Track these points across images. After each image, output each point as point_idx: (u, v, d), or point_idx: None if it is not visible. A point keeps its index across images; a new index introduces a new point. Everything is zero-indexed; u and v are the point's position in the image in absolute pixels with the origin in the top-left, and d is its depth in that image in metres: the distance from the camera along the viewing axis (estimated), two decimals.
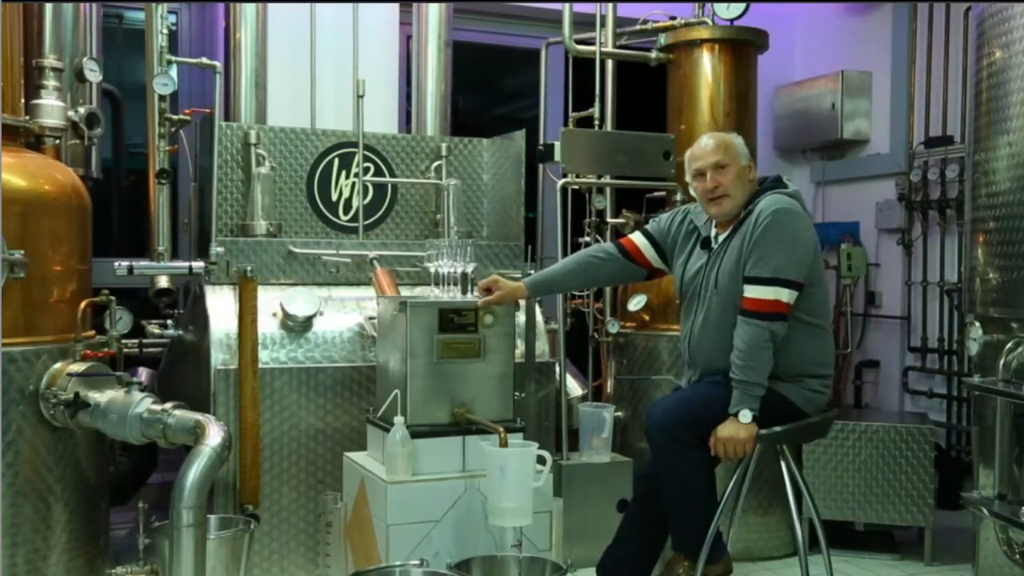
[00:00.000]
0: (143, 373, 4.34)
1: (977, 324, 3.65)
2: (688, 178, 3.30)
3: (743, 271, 3.09)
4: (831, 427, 3.42)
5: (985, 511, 3.52)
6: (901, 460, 4.39)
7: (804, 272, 3.07)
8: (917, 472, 4.37)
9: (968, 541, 3.95)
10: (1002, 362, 3.45)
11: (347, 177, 4.33)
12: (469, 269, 3.46)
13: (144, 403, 3.19)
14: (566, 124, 4.95)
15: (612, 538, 3.34)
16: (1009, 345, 3.45)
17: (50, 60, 3.76)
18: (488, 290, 3.36)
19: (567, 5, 4.67)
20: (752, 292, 3.04)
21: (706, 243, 3.28)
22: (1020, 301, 3.46)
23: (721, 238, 3.22)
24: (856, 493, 4.44)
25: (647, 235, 3.44)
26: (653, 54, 4.88)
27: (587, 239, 4.67)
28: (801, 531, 3.18)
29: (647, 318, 4.60)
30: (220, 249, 3.85)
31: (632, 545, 3.27)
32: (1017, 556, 3.47)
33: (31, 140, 3.59)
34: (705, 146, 3.24)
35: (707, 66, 4.73)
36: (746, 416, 3.02)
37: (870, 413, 5.17)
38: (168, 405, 3.20)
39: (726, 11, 4.84)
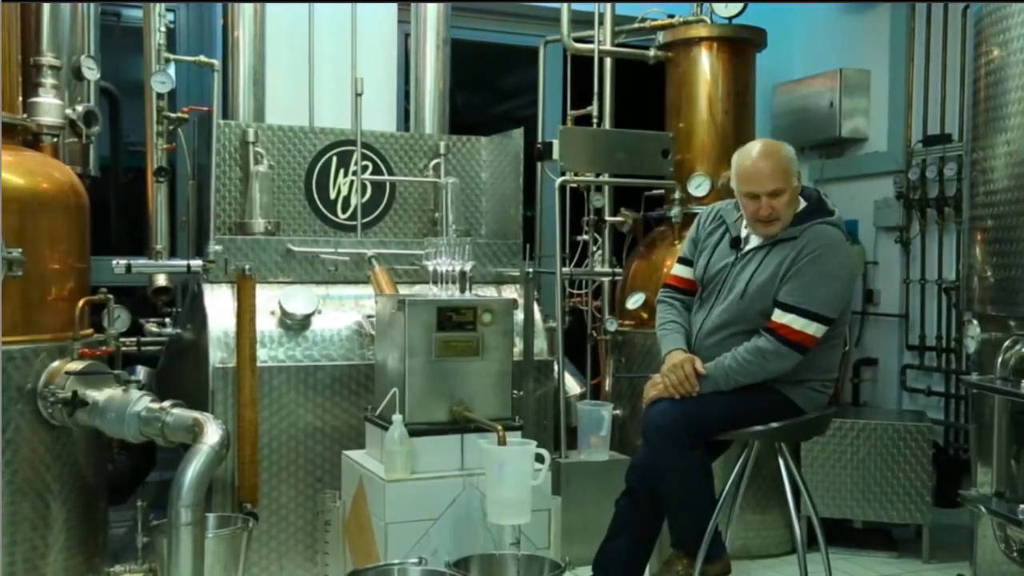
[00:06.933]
0: (141, 371, 4.32)
1: (975, 322, 3.66)
2: (737, 193, 3.20)
3: (778, 293, 3.09)
4: (829, 425, 3.42)
5: (983, 509, 3.52)
6: (899, 458, 4.39)
7: (840, 308, 3.13)
8: (915, 470, 4.38)
9: (966, 539, 3.95)
10: (1000, 360, 3.44)
11: (345, 175, 4.33)
12: (467, 267, 3.46)
13: (142, 401, 3.19)
14: (564, 122, 4.95)
15: (605, 534, 3.33)
16: (1007, 343, 3.44)
17: (48, 58, 3.75)
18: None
19: (565, 3, 4.66)
20: (787, 320, 3.05)
21: (735, 242, 3.26)
22: (1018, 299, 3.46)
23: (753, 242, 3.21)
24: (854, 491, 4.44)
25: (685, 262, 3.43)
26: (651, 52, 4.86)
27: (585, 237, 4.67)
28: (799, 529, 3.18)
29: (645, 316, 4.59)
30: (218, 247, 3.84)
31: (625, 540, 3.26)
32: (1015, 554, 3.48)
33: (29, 138, 3.58)
34: (761, 170, 3.09)
35: (705, 64, 4.72)
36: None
37: (868, 411, 5.18)
38: (166, 403, 3.19)
39: (724, 9, 4.83)
